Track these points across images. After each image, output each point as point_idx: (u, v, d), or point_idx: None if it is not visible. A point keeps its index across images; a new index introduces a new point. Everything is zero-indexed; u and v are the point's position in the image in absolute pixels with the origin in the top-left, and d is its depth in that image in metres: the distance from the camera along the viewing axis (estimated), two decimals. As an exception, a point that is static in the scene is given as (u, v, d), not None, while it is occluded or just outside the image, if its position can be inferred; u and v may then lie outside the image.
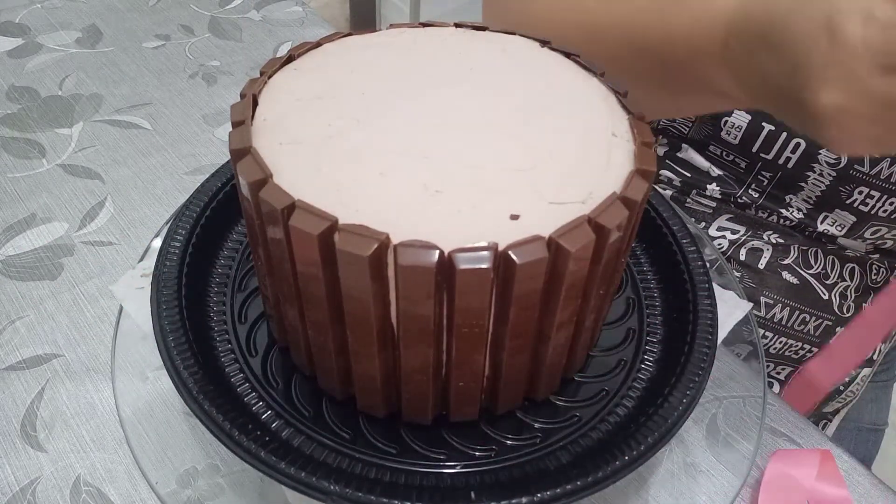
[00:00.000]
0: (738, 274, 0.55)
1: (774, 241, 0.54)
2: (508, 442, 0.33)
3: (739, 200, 0.54)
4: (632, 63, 0.41)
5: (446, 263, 0.25)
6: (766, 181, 0.52)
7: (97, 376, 0.45)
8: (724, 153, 0.53)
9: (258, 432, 0.30)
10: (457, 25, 0.36)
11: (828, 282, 0.54)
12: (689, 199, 0.56)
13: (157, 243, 0.38)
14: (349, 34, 0.35)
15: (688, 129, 0.54)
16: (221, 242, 0.40)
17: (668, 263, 0.39)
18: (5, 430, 0.42)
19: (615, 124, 0.31)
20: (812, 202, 0.52)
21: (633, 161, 0.29)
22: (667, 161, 0.56)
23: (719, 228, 0.55)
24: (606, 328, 0.38)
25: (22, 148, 0.60)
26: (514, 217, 0.26)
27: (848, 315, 0.56)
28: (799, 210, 0.52)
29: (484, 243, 0.25)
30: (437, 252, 0.24)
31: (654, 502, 0.39)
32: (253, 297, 0.38)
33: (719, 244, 0.55)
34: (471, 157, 0.28)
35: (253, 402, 0.33)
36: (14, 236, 0.53)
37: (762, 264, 0.54)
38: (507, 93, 0.32)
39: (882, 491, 0.42)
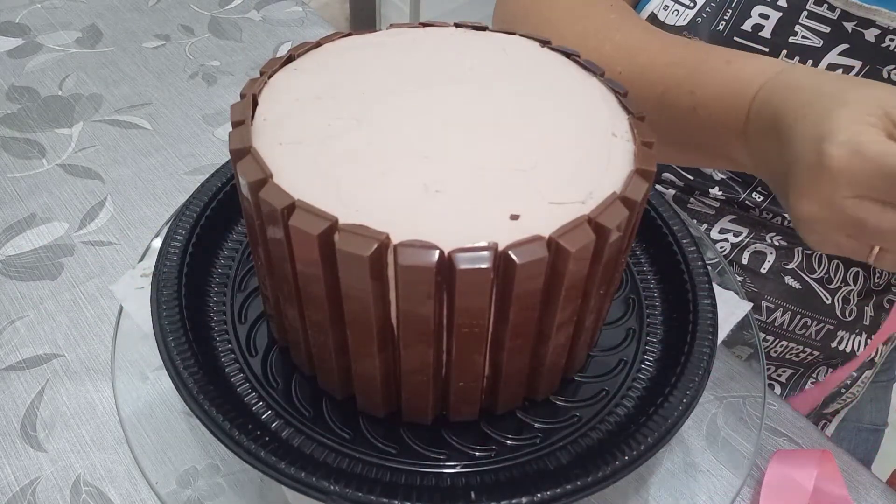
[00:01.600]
0: (739, 278, 0.55)
1: (778, 244, 0.54)
2: (508, 442, 0.33)
3: (743, 203, 0.53)
4: (651, 115, 0.42)
5: (446, 263, 0.25)
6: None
7: (97, 376, 0.45)
8: None
9: (258, 432, 0.30)
10: (457, 25, 0.36)
11: (831, 286, 0.54)
12: (691, 200, 0.56)
13: (157, 243, 0.38)
14: (349, 34, 0.35)
15: None
16: (221, 242, 0.40)
17: (668, 263, 0.39)
18: (5, 430, 0.42)
19: (615, 124, 0.31)
20: None
21: (633, 161, 0.29)
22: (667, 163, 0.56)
23: (722, 230, 0.55)
24: (606, 328, 0.38)
25: (22, 148, 0.60)
26: (514, 217, 0.26)
27: (850, 319, 0.55)
28: None
29: (484, 243, 0.25)
30: (437, 252, 0.24)
31: (654, 502, 0.39)
32: (253, 297, 0.38)
33: (721, 247, 0.55)
34: (471, 157, 0.28)
35: (253, 402, 0.33)
36: (14, 236, 0.53)
37: (765, 269, 0.54)
38: (508, 93, 0.32)
39: (882, 491, 0.42)
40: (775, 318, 0.55)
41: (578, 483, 0.29)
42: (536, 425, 0.34)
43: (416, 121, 0.30)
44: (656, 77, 0.41)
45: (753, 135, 0.37)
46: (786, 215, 0.52)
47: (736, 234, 0.54)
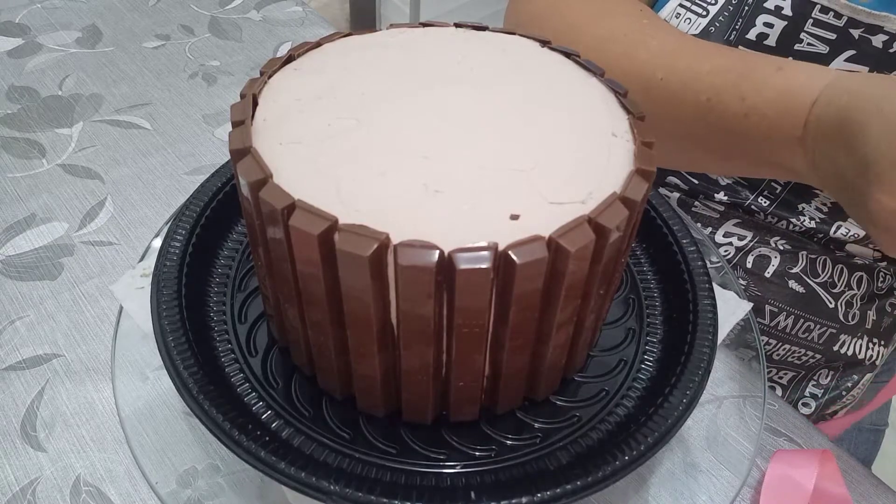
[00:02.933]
0: (743, 282, 0.54)
1: (783, 248, 0.54)
2: (508, 442, 0.33)
3: (748, 207, 0.53)
4: (693, 122, 0.41)
5: (446, 263, 0.25)
6: (779, 188, 0.52)
7: (97, 376, 0.45)
8: None
9: (258, 432, 0.30)
10: (457, 25, 0.36)
11: (834, 290, 0.54)
12: (696, 203, 0.56)
13: (157, 243, 0.38)
14: (349, 34, 0.35)
15: None
16: (221, 242, 0.40)
17: (668, 263, 0.39)
18: (5, 430, 0.42)
19: (615, 124, 0.31)
20: (826, 210, 0.51)
21: (633, 161, 0.29)
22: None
23: (726, 234, 0.54)
24: (606, 328, 0.38)
25: (22, 148, 0.60)
26: (514, 217, 0.26)
27: (852, 323, 0.55)
28: (811, 218, 0.52)
29: (484, 243, 0.25)
30: (437, 252, 0.24)
31: (654, 502, 0.39)
32: (253, 297, 0.38)
33: (725, 251, 0.55)
34: (471, 156, 0.28)
35: (253, 402, 0.33)
36: (14, 236, 0.53)
37: (769, 272, 0.54)
38: (507, 93, 0.32)
39: (882, 491, 0.42)
40: (778, 322, 0.55)
41: (578, 483, 0.29)
42: (536, 425, 0.34)
43: (416, 121, 0.30)
44: (702, 84, 0.40)
45: (814, 140, 0.36)
46: (792, 221, 0.52)
47: (740, 238, 0.54)
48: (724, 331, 0.38)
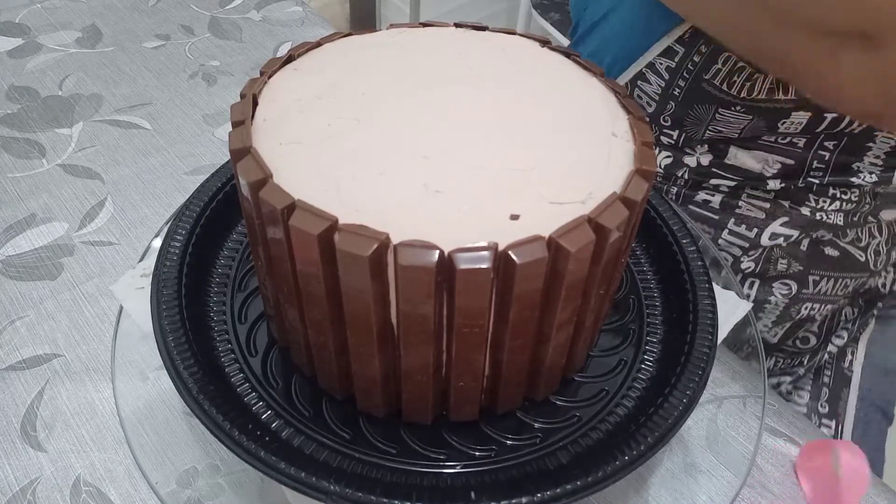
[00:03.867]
0: (784, 262, 0.56)
1: (824, 238, 0.55)
2: (508, 442, 0.33)
3: (801, 186, 0.54)
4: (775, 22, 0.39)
5: (446, 263, 0.25)
6: (828, 154, 0.52)
7: (97, 376, 0.45)
8: (779, 138, 0.52)
9: (258, 432, 0.30)
10: (457, 25, 0.36)
11: (861, 245, 0.56)
12: (740, 203, 0.56)
13: (157, 243, 0.38)
14: (349, 34, 0.35)
15: (739, 132, 0.53)
16: (221, 242, 0.40)
17: (668, 263, 0.39)
18: (5, 430, 0.42)
19: (615, 124, 0.31)
20: (883, 159, 0.51)
21: (633, 161, 0.29)
22: (713, 170, 0.55)
23: (772, 236, 0.55)
24: (606, 328, 0.38)
25: (22, 148, 0.60)
26: (514, 217, 0.26)
27: (880, 268, 0.58)
28: (871, 173, 0.52)
29: (484, 243, 0.25)
30: (437, 252, 0.24)
31: (654, 502, 0.39)
32: (253, 297, 0.38)
33: (774, 243, 0.56)
34: (471, 156, 0.28)
35: (253, 402, 0.33)
36: (14, 236, 0.53)
37: (804, 246, 0.56)
38: (507, 93, 0.32)
39: (882, 491, 0.42)
40: (821, 288, 0.58)
41: (578, 483, 0.29)
42: (536, 425, 0.34)
43: (415, 121, 0.30)
44: None
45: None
46: (852, 180, 0.52)
47: (786, 239, 0.55)
48: (724, 331, 0.38)
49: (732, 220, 0.56)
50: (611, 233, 0.26)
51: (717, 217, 0.56)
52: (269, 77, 0.32)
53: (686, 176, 0.56)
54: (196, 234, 0.38)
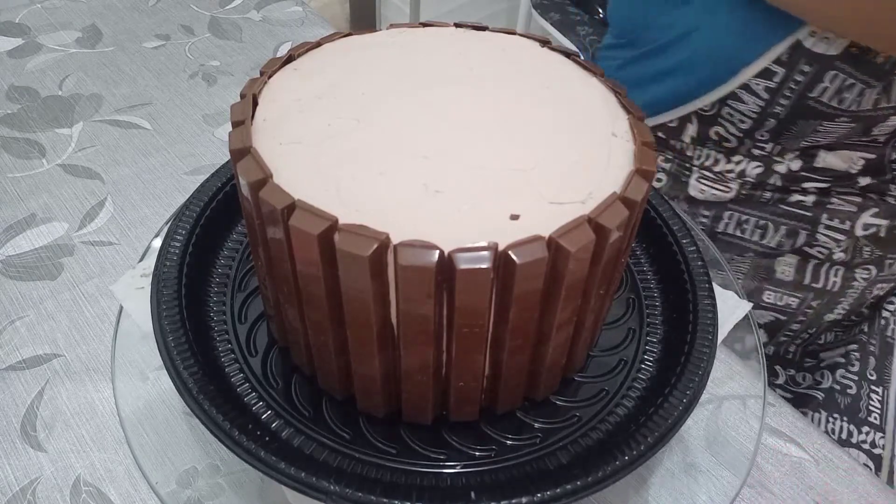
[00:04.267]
0: (868, 249, 0.58)
1: None
2: (508, 442, 0.33)
3: (886, 178, 0.55)
4: None
5: (446, 263, 0.25)
6: None
7: (97, 376, 0.45)
8: (863, 137, 0.54)
9: (258, 432, 0.30)
10: (457, 25, 0.36)
11: None
12: (832, 200, 0.57)
13: (157, 243, 0.38)
14: (349, 34, 0.35)
15: (836, 139, 0.54)
16: (221, 242, 0.40)
17: (668, 263, 0.39)
18: (5, 430, 0.42)
19: (615, 124, 0.31)
20: None
21: (633, 161, 0.29)
22: (803, 174, 0.57)
23: (865, 226, 0.57)
24: (606, 328, 0.38)
25: (22, 148, 0.60)
26: (514, 217, 0.26)
27: None
28: None
29: (484, 243, 0.25)
30: (437, 252, 0.24)
31: (654, 502, 0.39)
32: (253, 297, 0.38)
33: (864, 234, 0.58)
34: (471, 156, 0.28)
35: (253, 402, 0.33)
36: (14, 236, 0.53)
37: (883, 233, 0.58)
38: (507, 93, 0.32)
39: (882, 491, 0.42)
40: (894, 269, 0.60)
41: (578, 483, 0.29)
42: (536, 425, 0.34)
43: (415, 121, 0.30)
44: None
45: None
46: None
47: (878, 228, 0.57)
48: (723, 331, 0.38)
49: (825, 215, 0.57)
50: (611, 233, 0.26)
51: (810, 214, 0.58)
52: (269, 77, 0.32)
53: (778, 182, 0.57)
54: (196, 234, 0.38)
